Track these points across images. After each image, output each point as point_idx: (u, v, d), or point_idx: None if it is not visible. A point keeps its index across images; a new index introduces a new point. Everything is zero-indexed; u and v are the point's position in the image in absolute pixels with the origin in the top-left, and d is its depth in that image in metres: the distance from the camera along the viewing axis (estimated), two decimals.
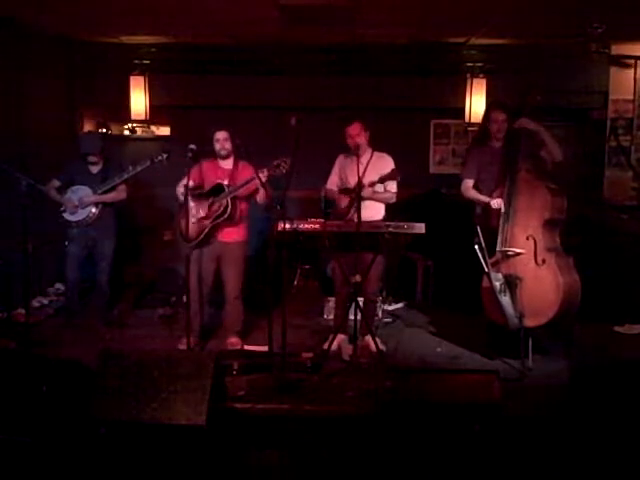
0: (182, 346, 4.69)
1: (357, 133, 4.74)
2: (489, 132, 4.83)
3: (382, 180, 4.67)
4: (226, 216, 4.72)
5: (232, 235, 4.88)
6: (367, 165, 4.73)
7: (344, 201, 4.86)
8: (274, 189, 4.73)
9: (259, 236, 6.53)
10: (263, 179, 4.53)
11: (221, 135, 4.85)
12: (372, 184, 4.67)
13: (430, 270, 6.39)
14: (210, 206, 4.76)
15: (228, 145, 4.85)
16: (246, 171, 4.80)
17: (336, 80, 6.77)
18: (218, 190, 4.76)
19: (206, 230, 4.75)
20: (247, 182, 4.68)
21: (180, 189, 4.81)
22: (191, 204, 4.73)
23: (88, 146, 5.38)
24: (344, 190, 4.90)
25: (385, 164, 4.78)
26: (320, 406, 3.79)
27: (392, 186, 4.79)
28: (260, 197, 4.74)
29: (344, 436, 3.55)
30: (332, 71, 6.81)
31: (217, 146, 4.86)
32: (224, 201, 4.71)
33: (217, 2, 5.06)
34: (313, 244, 6.30)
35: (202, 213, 4.78)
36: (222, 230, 4.84)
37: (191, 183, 4.73)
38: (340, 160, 5.03)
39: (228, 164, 4.93)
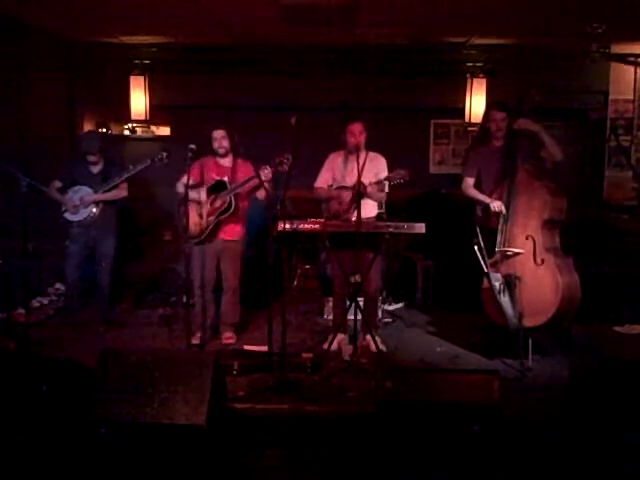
0: (195, 341, 4.82)
1: (360, 131, 4.77)
2: (489, 132, 4.84)
3: (388, 179, 4.64)
4: (231, 211, 4.82)
5: (232, 234, 4.99)
6: (363, 164, 4.70)
7: (341, 200, 4.85)
8: (274, 188, 4.74)
9: (258, 234, 6.53)
10: (267, 177, 4.62)
11: (218, 134, 4.91)
12: (378, 182, 4.66)
13: (430, 270, 6.38)
14: (212, 202, 4.85)
15: (226, 143, 4.92)
16: (246, 168, 4.88)
17: (336, 80, 6.77)
18: (219, 187, 4.84)
19: (211, 226, 4.85)
20: (249, 179, 4.76)
21: (181, 186, 4.85)
22: (193, 201, 4.78)
23: (87, 146, 5.38)
24: (341, 188, 4.88)
25: (379, 164, 4.82)
26: (320, 406, 3.80)
27: (385, 186, 4.79)
28: (261, 193, 4.81)
29: (344, 436, 3.54)
30: (332, 71, 6.81)
31: (215, 144, 4.93)
32: (227, 197, 4.81)
33: (217, 2, 5.07)
34: (313, 244, 6.33)
35: (205, 210, 4.85)
36: (223, 228, 4.93)
37: (191, 181, 4.74)
38: (332, 159, 5.00)
39: (227, 162, 5.00)
